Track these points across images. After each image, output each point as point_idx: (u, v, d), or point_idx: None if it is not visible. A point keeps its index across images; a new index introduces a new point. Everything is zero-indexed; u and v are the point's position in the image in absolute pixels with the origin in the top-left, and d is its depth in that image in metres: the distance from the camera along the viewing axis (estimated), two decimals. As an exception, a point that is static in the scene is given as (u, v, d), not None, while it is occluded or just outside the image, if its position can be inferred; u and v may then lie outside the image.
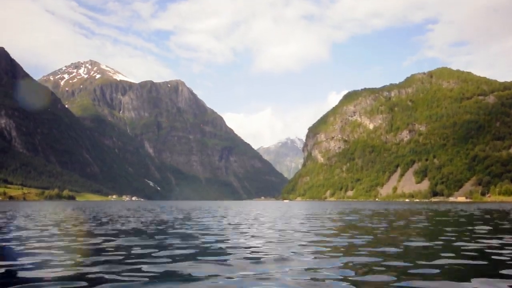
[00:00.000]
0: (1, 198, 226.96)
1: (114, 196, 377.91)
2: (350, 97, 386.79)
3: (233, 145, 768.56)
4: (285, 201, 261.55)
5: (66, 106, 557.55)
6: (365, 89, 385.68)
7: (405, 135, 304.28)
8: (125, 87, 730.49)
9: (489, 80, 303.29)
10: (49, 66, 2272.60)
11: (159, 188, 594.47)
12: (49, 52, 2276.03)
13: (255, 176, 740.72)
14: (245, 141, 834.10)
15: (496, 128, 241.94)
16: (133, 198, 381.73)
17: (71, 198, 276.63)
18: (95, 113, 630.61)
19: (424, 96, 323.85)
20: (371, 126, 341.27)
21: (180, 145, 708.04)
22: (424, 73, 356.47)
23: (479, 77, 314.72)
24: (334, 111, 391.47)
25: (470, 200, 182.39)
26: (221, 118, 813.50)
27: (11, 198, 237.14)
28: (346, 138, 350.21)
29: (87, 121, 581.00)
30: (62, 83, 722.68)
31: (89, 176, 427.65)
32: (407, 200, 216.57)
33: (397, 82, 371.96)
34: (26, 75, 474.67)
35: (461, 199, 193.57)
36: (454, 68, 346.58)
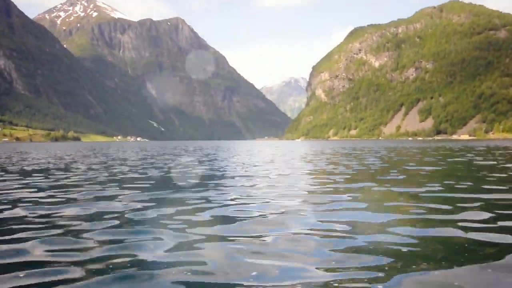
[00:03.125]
0: (8, 140, 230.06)
1: (119, 137, 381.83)
2: (356, 33, 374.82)
3: (236, 85, 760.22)
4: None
5: (65, 46, 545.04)
6: (371, 25, 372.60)
7: (411, 73, 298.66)
8: (123, 25, 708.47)
9: (502, 13, 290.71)
10: (44, 4, 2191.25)
11: (163, 129, 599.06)
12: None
13: (258, 116, 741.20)
14: (248, 80, 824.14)
15: (505, 65, 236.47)
16: (138, 139, 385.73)
17: (77, 139, 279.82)
18: (94, 53, 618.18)
19: (433, 31, 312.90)
20: (376, 64, 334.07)
21: (182, 85, 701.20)
22: (434, 7, 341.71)
23: (492, 10, 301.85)
24: (339, 48, 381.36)
25: (474, 137, 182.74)
26: (223, 57, 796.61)
27: (17, 139, 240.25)
28: (351, 77, 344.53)
29: (87, 61, 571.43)
30: (58, 21, 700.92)
31: (93, 118, 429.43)
32: (410, 138, 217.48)
33: (405, 17, 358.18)
34: (21, 14, 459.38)
35: (464, 137, 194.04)
36: (467, 1, 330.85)
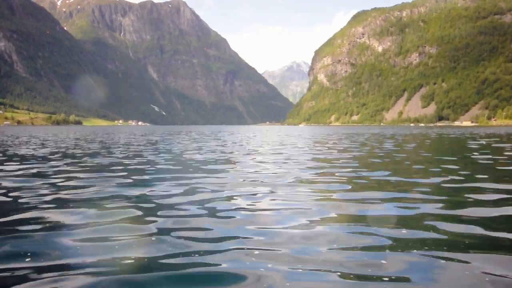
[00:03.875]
0: (10, 123, 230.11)
1: (120, 121, 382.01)
2: (359, 17, 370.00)
3: (238, 68, 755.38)
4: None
5: (65, 28, 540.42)
6: (375, 9, 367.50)
7: (414, 58, 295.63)
8: (124, 7, 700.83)
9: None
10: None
11: (164, 113, 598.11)
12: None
13: (260, 101, 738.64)
14: (250, 64, 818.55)
15: (510, 50, 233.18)
16: (139, 123, 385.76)
17: (78, 123, 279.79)
18: (95, 36, 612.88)
19: (438, 15, 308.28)
20: (379, 49, 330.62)
21: (184, 69, 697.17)
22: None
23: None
24: (341, 33, 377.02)
25: (476, 124, 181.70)
26: (225, 41, 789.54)
27: (19, 122, 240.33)
28: (353, 62, 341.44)
29: (88, 44, 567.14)
30: (58, 3, 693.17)
31: (94, 101, 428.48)
32: (412, 124, 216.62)
33: (410, 1, 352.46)
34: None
35: (466, 123, 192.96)
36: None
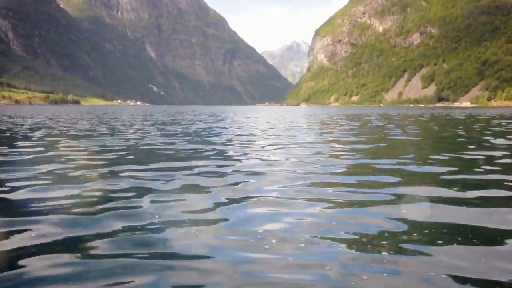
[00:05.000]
0: (8, 102, 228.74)
1: (118, 101, 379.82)
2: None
3: (237, 48, 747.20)
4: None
5: (61, 6, 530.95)
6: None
7: (415, 38, 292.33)
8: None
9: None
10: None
11: (163, 93, 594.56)
12: None
13: (259, 81, 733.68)
14: (249, 44, 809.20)
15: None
16: (138, 103, 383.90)
17: (76, 102, 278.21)
18: (92, 14, 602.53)
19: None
20: (380, 29, 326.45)
21: (182, 48, 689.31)
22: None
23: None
24: (342, 12, 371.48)
25: (475, 105, 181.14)
26: (224, 20, 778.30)
27: (17, 102, 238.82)
28: (354, 42, 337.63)
29: (85, 22, 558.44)
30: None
31: (91, 81, 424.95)
32: (411, 105, 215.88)
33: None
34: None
35: (466, 104, 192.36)
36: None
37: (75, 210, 3.55)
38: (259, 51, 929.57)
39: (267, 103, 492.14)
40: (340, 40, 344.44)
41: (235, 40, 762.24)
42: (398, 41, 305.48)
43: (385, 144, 9.74)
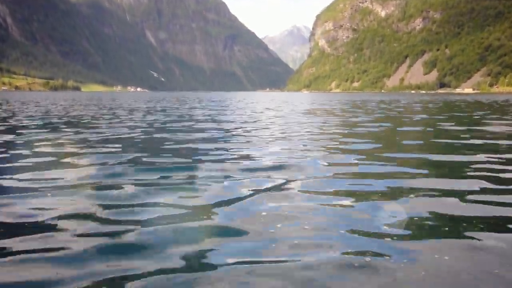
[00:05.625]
0: (8, 88, 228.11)
1: (119, 87, 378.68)
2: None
3: (237, 33, 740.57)
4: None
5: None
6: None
7: (417, 23, 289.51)
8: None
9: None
10: None
11: (163, 79, 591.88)
12: None
13: (260, 67, 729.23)
14: (250, 29, 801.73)
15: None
16: (138, 89, 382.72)
17: (76, 89, 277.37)
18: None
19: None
20: (382, 14, 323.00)
21: (182, 34, 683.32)
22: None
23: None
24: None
25: (477, 91, 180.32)
26: (224, 4, 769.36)
27: (17, 88, 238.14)
28: (355, 27, 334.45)
29: (83, 7, 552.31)
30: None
31: (91, 67, 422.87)
32: (413, 91, 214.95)
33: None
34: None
35: (468, 90, 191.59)
36: None
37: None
38: (259, 36, 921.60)
39: (267, 89, 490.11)
40: (342, 25, 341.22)
41: (235, 25, 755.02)
42: (400, 26, 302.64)
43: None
